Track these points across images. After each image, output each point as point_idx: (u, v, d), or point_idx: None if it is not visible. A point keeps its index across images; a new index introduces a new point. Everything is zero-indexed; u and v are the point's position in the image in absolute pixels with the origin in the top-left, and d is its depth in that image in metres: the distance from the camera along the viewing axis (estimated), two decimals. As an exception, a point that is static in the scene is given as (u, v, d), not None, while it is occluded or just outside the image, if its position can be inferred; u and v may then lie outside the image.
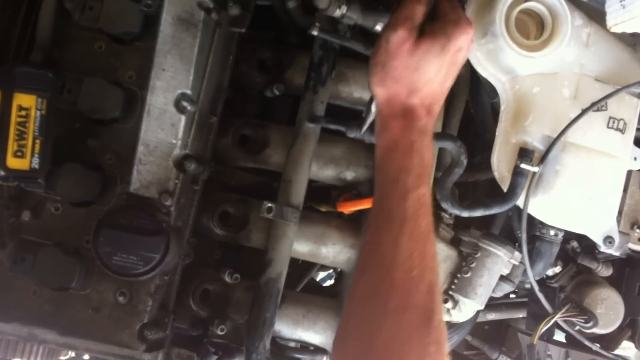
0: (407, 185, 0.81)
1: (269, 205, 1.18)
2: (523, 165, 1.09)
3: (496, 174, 1.16)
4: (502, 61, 1.08)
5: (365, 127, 1.05)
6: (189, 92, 1.04)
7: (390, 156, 0.84)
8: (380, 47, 0.86)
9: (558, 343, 1.48)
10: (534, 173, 1.10)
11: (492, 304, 1.67)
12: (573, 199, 1.14)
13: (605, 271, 1.45)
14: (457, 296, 1.25)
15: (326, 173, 1.29)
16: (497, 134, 1.15)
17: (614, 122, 1.14)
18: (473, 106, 1.34)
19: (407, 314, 0.73)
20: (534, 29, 1.10)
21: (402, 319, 0.73)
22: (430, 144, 0.86)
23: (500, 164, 1.14)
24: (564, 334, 1.47)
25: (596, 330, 1.40)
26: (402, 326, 0.73)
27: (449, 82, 0.89)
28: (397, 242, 0.77)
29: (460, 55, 0.87)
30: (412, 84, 0.85)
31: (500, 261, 1.24)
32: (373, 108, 0.96)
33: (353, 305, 0.79)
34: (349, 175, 1.29)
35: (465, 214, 1.17)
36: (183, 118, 1.05)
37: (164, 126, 1.04)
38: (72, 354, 1.58)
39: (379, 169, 0.85)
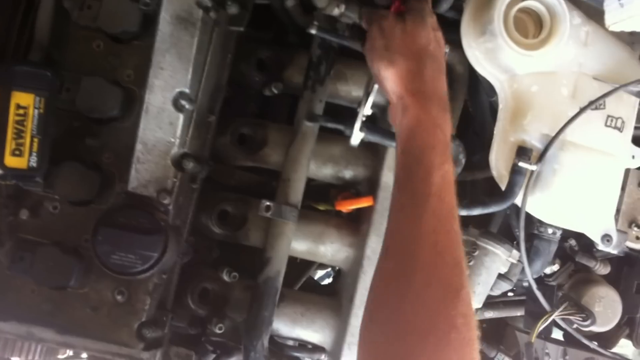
0: (432, 162, 0.80)
1: (268, 204, 1.18)
2: (521, 164, 1.09)
3: (494, 173, 1.16)
4: (500, 60, 1.08)
5: (360, 120, 1.06)
6: (187, 90, 1.04)
7: (414, 135, 0.83)
8: (375, 36, 0.94)
9: (556, 341, 1.47)
10: (532, 171, 1.10)
11: (490, 302, 1.67)
12: (571, 198, 1.14)
13: (603, 269, 1.45)
14: (455, 294, 1.24)
15: (325, 172, 1.29)
16: (495, 132, 1.15)
17: (612, 121, 1.15)
18: (471, 105, 1.34)
19: (432, 288, 0.71)
20: (532, 28, 1.10)
21: (427, 293, 0.71)
22: (449, 119, 0.87)
23: (499, 163, 1.14)
24: (561, 332, 1.47)
25: (594, 328, 1.41)
26: (428, 300, 0.70)
27: (442, 61, 0.93)
28: (421, 218, 0.75)
29: (438, 34, 0.95)
30: (418, 53, 0.90)
31: (498, 259, 1.24)
32: (370, 99, 1.01)
33: (378, 287, 0.77)
34: (348, 173, 1.29)
35: (463, 212, 1.17)
36: (181, 117, 1.05)
37: (162, 125, 1.04)
38: (70, 352, 1.57)
39: (403, 152, 0.84)
